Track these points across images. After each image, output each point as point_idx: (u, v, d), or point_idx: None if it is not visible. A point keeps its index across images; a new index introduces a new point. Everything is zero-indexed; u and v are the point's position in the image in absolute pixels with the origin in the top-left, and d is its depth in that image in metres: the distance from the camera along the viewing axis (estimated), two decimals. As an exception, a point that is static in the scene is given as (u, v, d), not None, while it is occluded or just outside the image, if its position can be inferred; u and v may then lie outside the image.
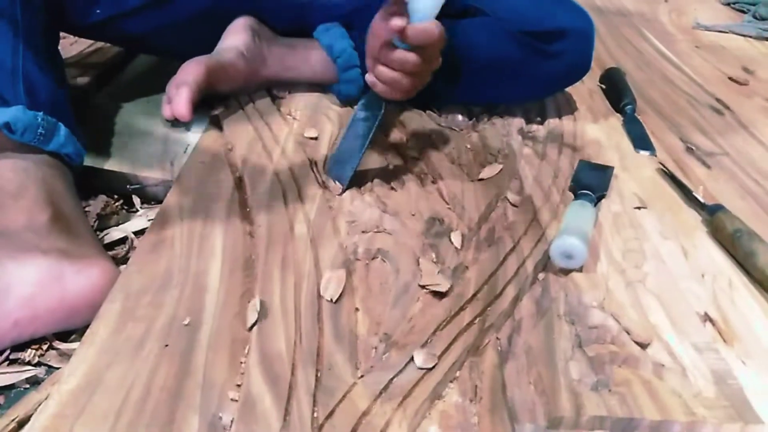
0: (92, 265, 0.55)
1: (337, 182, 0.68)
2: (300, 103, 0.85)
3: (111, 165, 0.72)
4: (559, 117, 0.87)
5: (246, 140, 0.75)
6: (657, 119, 0.91)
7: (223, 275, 0.55)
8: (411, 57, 0.64)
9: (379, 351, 0.49)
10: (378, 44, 0.66)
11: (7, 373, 0.51)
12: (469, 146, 0.79)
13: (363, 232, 0.62)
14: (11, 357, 0.52)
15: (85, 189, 0.69)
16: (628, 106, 0.90)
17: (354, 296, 0.54)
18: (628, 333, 0.52)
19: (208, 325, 0.50)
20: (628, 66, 1.08)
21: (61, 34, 0.76)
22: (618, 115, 0.91)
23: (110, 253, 0.63)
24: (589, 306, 0.54)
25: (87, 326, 0.50)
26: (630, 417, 0.45)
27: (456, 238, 0.62)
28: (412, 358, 0.49)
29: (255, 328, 0.50)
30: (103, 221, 0.68)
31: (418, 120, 0.83)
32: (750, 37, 1.31)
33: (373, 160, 0.74)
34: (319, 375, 0.47)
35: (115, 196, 0.71)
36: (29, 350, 0.53)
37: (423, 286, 0.56)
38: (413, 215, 0.65)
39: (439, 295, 0.55)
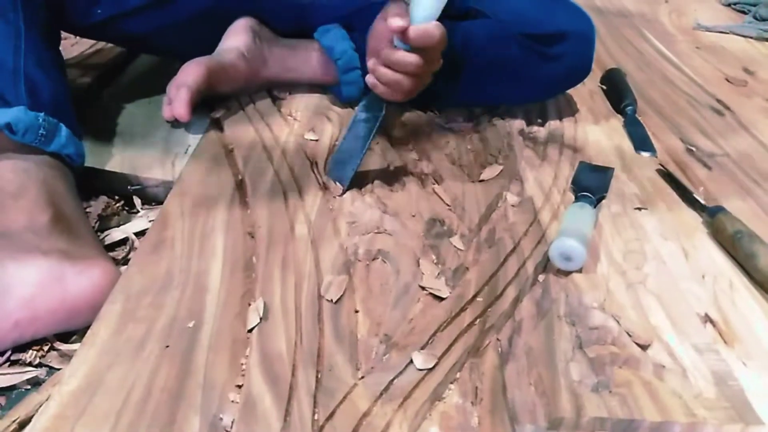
0: (93, 265, 0.55)
1: (337, 183, 0.68)
2: (300, 104, 0.85)
3: (112, 166, 0.72)
4: (560, 118, 0.87)
5: (247, 141, 0.75)
6: (657, 120, 0.91)
7: (223, 276, 0.55)
8: (412, 58, 0.64)
9: (380, 352, 0.49)
10: (379, 45, 0.66)
11: (8, 374, 0.51)
12: (469, 147, 0.79)
13: (363, 233, 0.62)
14: (12, 358, 0.52)
15: (86, 190, 0.69)
16: (629, 107, 0.90)
17: (354, 297, 0.54)
18: (628, 334, 0.52)
19: (209, 325, 0.50)
20: (628, 67, 1.08)
21: (63, 34, 0.76)
22: (619, 116, 0.91)
23: (111, 254, 0.63)
24: (590, 307, 0.54)
25: (88, 327, 0.50)
26: (630, 418, 0.45)
27: (456, 240, 0.62)
28: (412, 360, 0.49)
29: (255, 329, 0.50)
30: (104, 222, 0.68)
31: (418, 121, 0.83)
32: (750, 37, 1.31)
33: (374, 162, 0.74)
34: (319, 376, 0.47)
35: (116, 197, 0.71)
36: (30, 351, 0.53)
37: (423, 288, 0.56)
38: (414, 216, 0.65)
39: (440, 296, 0.55)
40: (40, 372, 0.52)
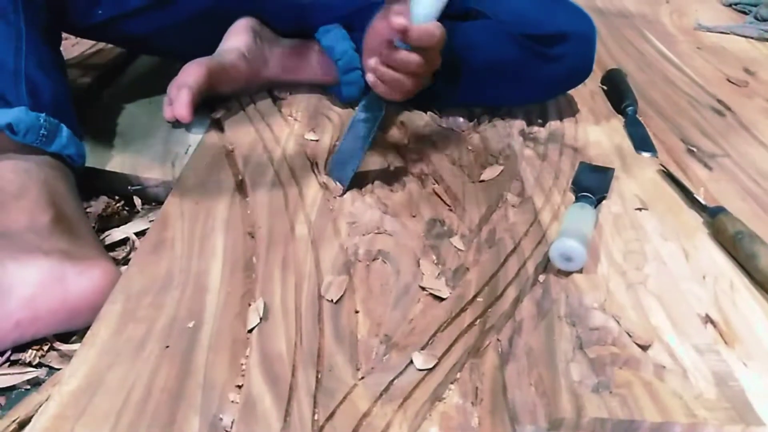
0: (93, 266, 0.55)
1: (337, 183, 0.68)
2: (301, 104, 0.85)
3: (112, 166, 0.72)
4: (561, 118, 0.87)
5: (247, 141, 0.75)
6: (658, 120, 0.91)
7: (223, 276, 0.55)
8: (414, 57, 0.64)
9: (380, 352, 0.49)
10: (378, 44, 0.66)
11: (8, 374, 0.51)
12: (470, 147, 0.79)
13: (364, 233, 0.62)
14: (12, 358, 0.52)
15: (87, 190, 0.69)
16: (630, 108, 0.90)
17: (354, 297, 0.54)
18: (629, 335, 0.52)
19: (209, 325, 0.50)
20: (629, 67, 1.08)
21: (63, 34, 0.76)
22: (619, 116, 0.91)
23: (111, 254, 0.63)
24: (590, 307, 0.54)
25: (88, 327, 0.50)
26: (631, 419, 0.45)
27: (457, 240, 0.62)
28: (412, 360, 0.49)
29: (255, 329, 0.50)
30: (105, 222, 0.68)
31: (419, 121, 0.83)
32: (751, 38, 1.31)
33: (374, 162, 0.74)
34: (319, 376, 0.47)
35: (117, 197, 0.71)
36: (30, 351, 0.53)
37: (424, 288, 0.56)
38: (414, 216, 0.65)
39: (440, 296, 0.55)
40: (40, 372, 0.52)
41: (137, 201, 0.72)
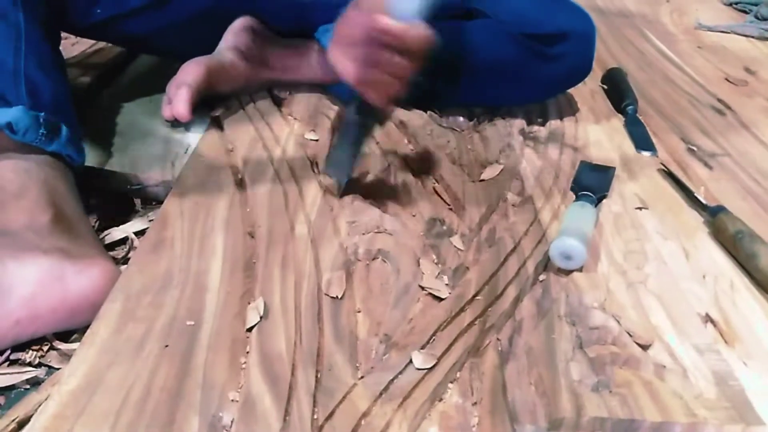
0: (93, 265, 0.55)
1: (335, 182, 0.67)
2: (301, 103, 0.85)
3: (112, 165, 0.72)
4: (561, 118, 0.87)
5: (247, 141, 0.75)
6: (658, 120, 0.91)
7: (223, 275, 0.55)
8: (404, 61, 0.58)
9: (380, 352, 0.49)
10: (355, 43, 0.59)
11: (8, 374, 0.51)
12: (470, 147, 0.79)
13: (364, 233, 0.62)
14: (12, 358, 0.52)
15: (87, 189, 0.69)
16: (630, 107, 0.90)
17: (354, 297, 0.54)
18: (629, 334, 0.52)
19: (209, 325, 0.50)
20: (629, 66, 1.08)
21: (63, 34, 0.76)
22: (619, 115, 0.91)
23: (111, 253, 0.63)
24: (590, 307, 0.54)
25: (87, 326, 0.50)
26: (631, 418, 0.45)
27: (457, 239, 0.62)
28: (412, 360, 0.48)
29: (255, 328, 0.50)
30: (104, 222, 0.68)
31: (419, 121, 0.83)
32: (752, 37, 1.31)
33: (374, 162, 0.74)
34: (319, 376, 0.47)
35: (116, 197, 0.71)
36: (30, 351, 0.53)
37: (423, 287, 0.55)
38: (414, 216, 0.65)
39: (440, 296, 0.55)
40: (40, 372, 0.52)
41: (137, 200, 0.72)
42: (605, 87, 0.99)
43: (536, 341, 0.51)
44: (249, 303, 0.53)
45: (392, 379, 0.47)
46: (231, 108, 0.82)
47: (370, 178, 0.70)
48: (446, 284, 0.56)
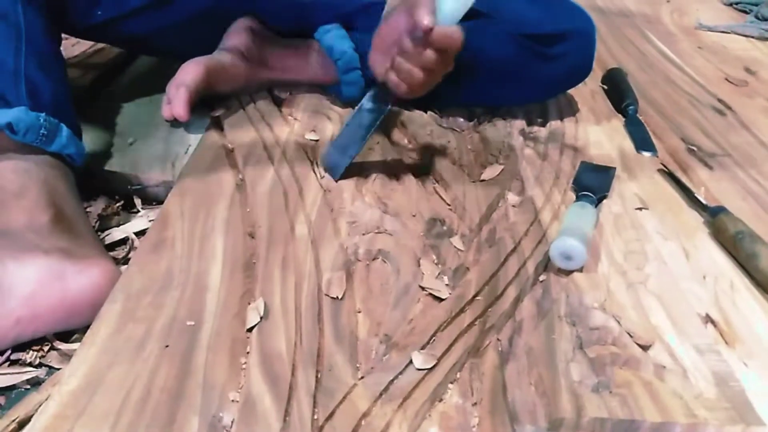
0: (93, 265, 0.55)
1: (332, 169, 0.68)
2: (301, 104, 0.85)
3: (112, 166, 0.72)
4: (561, 118, 0.87)
5: (247, 141, 0.75)
6: (659, 120, 0.91)
7: (223, 276, 0.55)
8: (433, 54, 0.62)
9: (380, 352, 0.49)
10: (395, 38, 0.64)
11: (8, 374, 0.51)
12: (470, 147, 0.79)
13: (364, 233, 0.62)
14: (12, 358, 0.53)
15: (87, 190, 0.69)
16: (630, 107, 0.90)
17: (354, 297, 0.54)
18: (629, 334, 0.52)
19: (209, 325, 0.50)
20: (629, 67, 1.07)
21: (63, 35, 0.76)
22: (620, 115, 0.91)
23: (111, 253, 0.63)
24: (590, 307, 0.54)
25: (88, 327, 0.50)
26: (631, 419, 0.45)
27: (457, 240, 0.62)
28: (412, 360, 0.48)
29: (255, 328, 0.50)
30: (104, 222, 0.68)
31: (419, 121, 0.83)
32: (752, 37, 1.31)
33: (375, 161, 0.74)
34: (319, 376, 0.47)
35: (116, 197, 0.71)
36: (30, 351, 0.53)
37: (424, 288, 0.55)
38: (414, 216, 0.65)
39: (440, 296, 0.55)
40: (40, 372, 0.52)
41: (137, 200, 0.72)
42: (605, 87, 0.99)
43: (536, 342, 0.51)
44: (249, 303, 0.53)
45: (392, 380, 0.47)
46: (231, 108, 0.82)
47: (370, 178, 0.70)
48: (446, 284, 0.56)
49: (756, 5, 1.43)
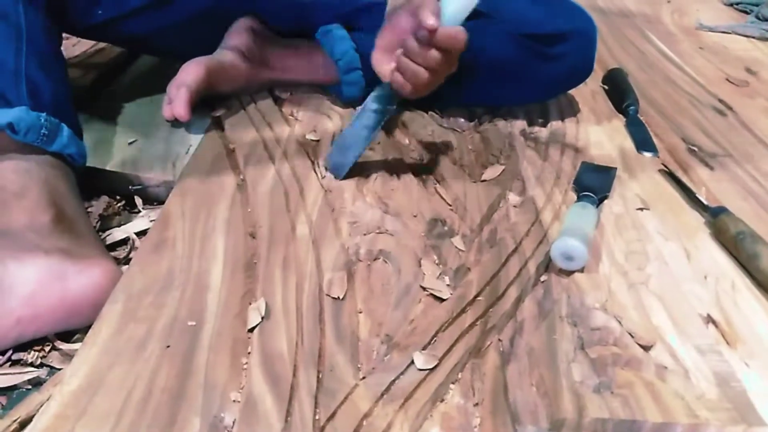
0: (94, 265, 0.55)
1: (336, 169, 0.68)
2: (302, 104, 0.85)
3: (113, 166, 0.72)
4: (562, 118, 0.87)
5: (248, 141, 0.75)
6: (659, 120, 0.91)
7: (224, 276, 0.55)
8: (437, 54, 0.62)
9: (381, 352, 0.49)
10: (399, 39, 0.65)
11: (10, 374, 0.51)
12: (471, 147, 0.79)
13: (365, 233, 0.62)
14: (13, 358, 0.52)
15: (88, 190, 0.69)
16: (631, 107, 0.90)
17: (356, 297, 0.54)
18: (630, 335, 0.52)
19: (210, 325, 0.50)
20: (630, 67, 1.07)
21: (64, 34, 0.76)
22: (620, 116, 0.91)
23: (112, 253, 0.63)
24: (592, 308, 0.54)
25: (89, 327, 0.50)
26: (632, 419, 0.45)
27: (458, 240, 0.62)
28: (413, 360, 0.48)
29: (257, 329, 0.50)
30: (105, 222, 0.68)
31: (420, 121, 0.83)
32: (753, 37, 1.31)
33: (376, 161, 0.74)
34: (320, 376, 0.47)
35: (117, 197, 0.71)
36: (31, 351, 0.53)
37: (425, 288, 0.55)
38: (415, 216, 0.65)
39: (441, 297, 0.55)
40: (42, 372, 0.52)
41: (138, 201, 0.72)
42: (606, 87, 0.99)
43: (538, 342, 0.51)
44: (250, 303, 0.53)
45: (394, 380, 0.47)
46: (232, 108, 0.82)
47: (371, 178, 0.70)
48: (447, 285, 0.56)
49: (756, 5, 1.43)
